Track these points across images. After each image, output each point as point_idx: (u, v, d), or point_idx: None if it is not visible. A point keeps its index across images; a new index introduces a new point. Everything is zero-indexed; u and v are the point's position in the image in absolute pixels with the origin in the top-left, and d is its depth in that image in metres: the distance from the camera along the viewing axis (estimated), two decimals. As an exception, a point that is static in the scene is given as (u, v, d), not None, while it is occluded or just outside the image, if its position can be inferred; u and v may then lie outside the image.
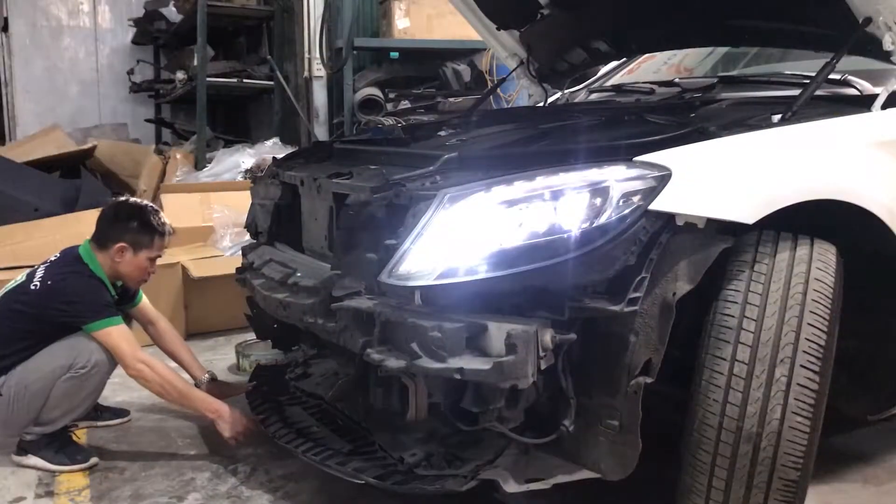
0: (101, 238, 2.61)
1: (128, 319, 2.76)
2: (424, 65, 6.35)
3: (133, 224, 2.61)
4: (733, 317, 1.75)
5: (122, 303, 2.76)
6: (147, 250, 2.63)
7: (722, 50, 3.33)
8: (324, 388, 2.41)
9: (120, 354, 2.46)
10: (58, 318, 2.48)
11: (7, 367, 2.47)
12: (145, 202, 2.74)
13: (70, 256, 2.60)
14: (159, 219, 2.66)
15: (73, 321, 2.48)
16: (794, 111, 2.01)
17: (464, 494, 2.20)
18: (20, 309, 2.51)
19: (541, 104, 3.41)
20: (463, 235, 1.75)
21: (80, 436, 2.78)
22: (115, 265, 2.60)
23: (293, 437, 2.33)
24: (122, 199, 2.77)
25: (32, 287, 2.51)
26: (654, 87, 2.93)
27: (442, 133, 2.78)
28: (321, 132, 6.34)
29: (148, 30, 7.92)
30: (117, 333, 2.47)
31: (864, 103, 2.15)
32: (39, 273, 2.55)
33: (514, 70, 3.46)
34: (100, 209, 2.79)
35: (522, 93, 4.69)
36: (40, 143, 6.23)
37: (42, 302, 2.49)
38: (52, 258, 2.63)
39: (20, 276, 2.61)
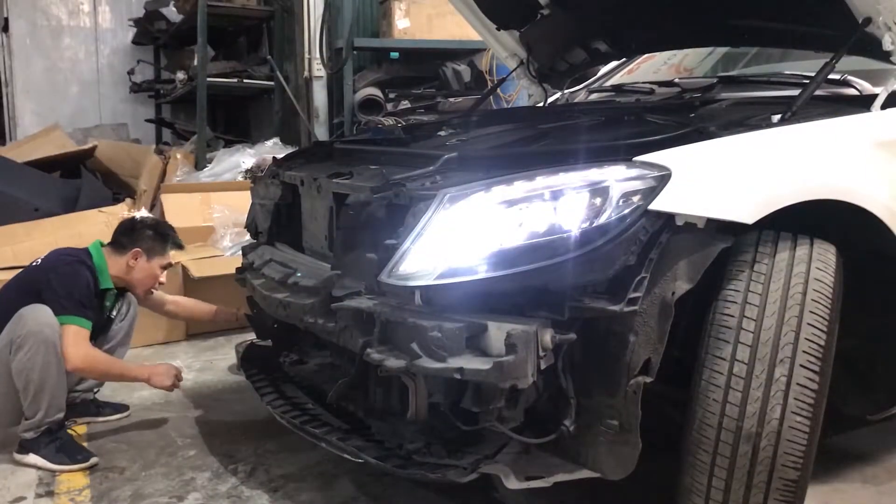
0: (118, 243, 2.79)
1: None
2: (424, 65, 6.35)
3: (149, 232, 2.82)
4: (733, 317, 1.75)
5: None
6: (160, 258, 2.82)
7: (722, 50, 3.33)
8: (320, 377, 2.40)
9: (65, 351, 2.51)
10: (42, 288, 2.56)
11: None
12: (160, 219, 3.01)
13: (76, 249, 2.76)
14: (174, 233, 2.91)
15: (49, 300, 2.54)
16: (794, 111, 2.01)
17: (462, 494, 2.21)
18: (24, 291, 2.60)
19: (541, 104, 3.41)
20: (463, 235, 1.75)
21: (80, 433, 2.79)
22: (128, 270, 2.78)
23: (289, 409, 2.32)
24: (140, 213, 3.01)
25: (33, 264, 2.71)
26: (654, 87, 2.93)
27: (442, 133, 2.78)
28: (321, 132, 6.34)
29: (148, 30, 7.92)
30: (71, 331, 2.54)
31: (863, 103, 2.15)
32: (43, 255, 2.74)
33: (514, 70, 3.46)
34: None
35: (522, 93, 4.70)
36: (40, 143, 6.23)
37: (38, 274, 2.62)
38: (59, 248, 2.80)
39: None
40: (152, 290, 2.90)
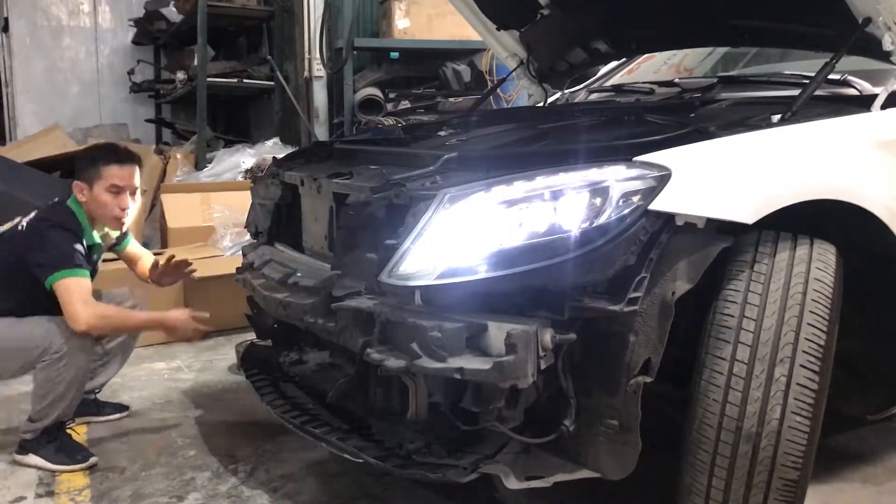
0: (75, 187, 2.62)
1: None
2: (424, 65, 6.35)
3: (82, 162, 2.61)
4: (733, 317, 1.75)
5: (114, 245, 2.85)
6: (99, 181, 2.55)
7: (722, 50, 3.34)
8: (319, 376, 2.40)
9: (71, 310, 2.41)
10: (29, 262, 2.46)
11: None
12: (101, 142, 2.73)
13: (61, 203, 2.63)
14: (109, 149, 2.62)
15: (38, 272, 2.44)
16: (794, 111, 2.01)
17: (462, 494, 2.21)
18: (5, 256, 2.52)
19: (541, 104, 3.41)
20: (463, 235, 1.75)
21: (80, 432, 2.79)
22: (85, 208, 2.59)
23: (289, 409, 2.32)
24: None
25: (20, 228, 2.56)
26: (654, 87, 2.94)
27: (442, 133, 2.78)
28: (321, 132, 6.34)
29: (148, 30, 7.92)
30: (72, 284, 2.42)
31: (863, 103, 2.15)
32: (31, 216, 2.60)
33: (514, 70, 3.46)
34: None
35: (522, 93, 4.69)
36: (40, 143, 6.23)
37: (24, 242, 2.50)
38: (49, 202, 2.66)
39: (14, 221, 2.62)
40: (120, 220, 2.62)
